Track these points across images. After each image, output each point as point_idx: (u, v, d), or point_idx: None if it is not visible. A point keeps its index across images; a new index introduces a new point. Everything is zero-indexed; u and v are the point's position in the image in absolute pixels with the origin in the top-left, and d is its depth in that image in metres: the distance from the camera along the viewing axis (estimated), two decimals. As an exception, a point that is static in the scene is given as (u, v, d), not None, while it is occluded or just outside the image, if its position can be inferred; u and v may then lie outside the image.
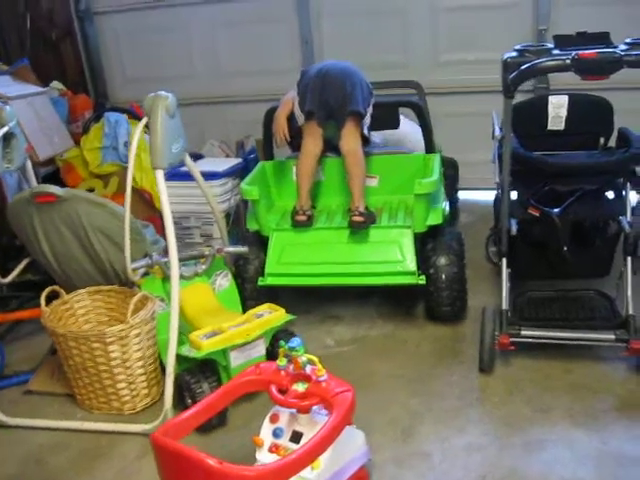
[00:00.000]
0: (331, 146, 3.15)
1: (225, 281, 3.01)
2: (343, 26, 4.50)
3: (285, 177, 3.34)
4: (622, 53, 1.96)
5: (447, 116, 4.45)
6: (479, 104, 4.29)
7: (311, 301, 3.31)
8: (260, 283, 2.98)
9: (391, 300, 3.31)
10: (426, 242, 2.98)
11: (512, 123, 2.96)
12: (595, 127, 2.99)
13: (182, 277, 2.78)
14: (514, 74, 2.06)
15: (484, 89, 4.37)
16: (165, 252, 2.85)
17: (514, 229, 2.69)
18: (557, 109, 2.94)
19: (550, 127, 2.99)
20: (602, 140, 3.00)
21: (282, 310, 2.64)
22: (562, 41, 2.23)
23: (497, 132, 2.73)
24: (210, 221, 3.77)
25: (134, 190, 3.83)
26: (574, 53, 1.97)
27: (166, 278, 2.78)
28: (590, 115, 2.96)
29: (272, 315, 2.63)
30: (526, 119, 2.98)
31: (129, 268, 2.74)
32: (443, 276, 2.90)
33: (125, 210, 2.71)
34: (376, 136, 3.32)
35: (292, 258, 2.98)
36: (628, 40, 2.11)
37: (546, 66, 2.00)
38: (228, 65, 4.79)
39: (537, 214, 2.70)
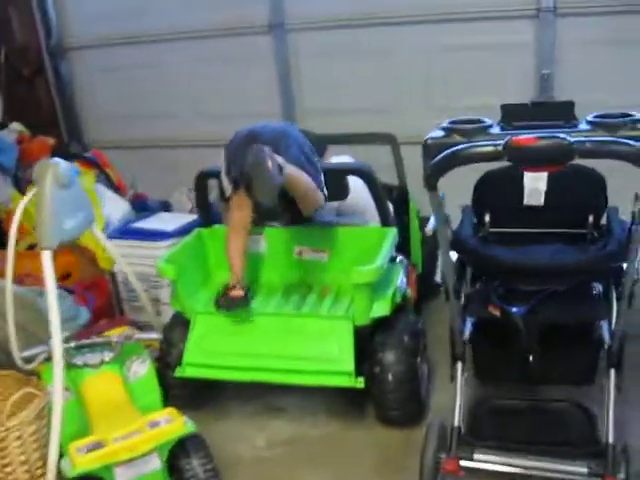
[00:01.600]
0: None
1: (142, 368, 2.60)
2: (325, 67, 4.09)
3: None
4: (572, 140, 1.48)
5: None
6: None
7: (252, 386, 2.88)
8: (177, 374, 2.57)
9: (342, 392, 2.84)
10: (374, 333, 2.52)
11: (483, 194, 2.54)
12: (582, 204, 2.50)
13: (87, 365, 2.41)
14: (431, 164, 1.61)
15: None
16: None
17: (467, 333, 2.22)
18: (535, 181, 2.45)
19: (527, 202, 2.51)
20: (591, 218, 2.50)
21: (181, 419, 2.22)
22: (510, 114, 1.77)
23: (431, 225, 2.27)
24: (158, 284, 3.39)
25: (78, 247, 3.53)
26: (507, 138, 1.50)
27: (70, 365, 2.41)
28: (576, 190, 2.46)
29: (168, 425, 2.20)
30: (499, 190, 2.52)
31: (17, 358, 2.37)
32: (390, 376, 2.44)
33: (7, 286, 2.33)
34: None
35: (216, 346, 2.56)
36: (590, 117, 1.63)
37: (471, 154, 1.54)
38: (207, 106, 4.43)
39: (498, 313, 2.21)
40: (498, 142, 1.50)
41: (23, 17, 4.55)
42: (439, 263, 3.27)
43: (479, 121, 1.81)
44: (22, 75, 4.66)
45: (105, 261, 3.51)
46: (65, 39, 4.58)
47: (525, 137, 1.47)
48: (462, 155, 1.54)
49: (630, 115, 1.87)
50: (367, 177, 2.65)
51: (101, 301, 3.41)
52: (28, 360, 2.39)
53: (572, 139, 1.48)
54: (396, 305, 2.56)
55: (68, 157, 3.84)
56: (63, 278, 3.55)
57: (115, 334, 2.56)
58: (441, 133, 1.80)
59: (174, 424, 2.21)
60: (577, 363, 2.38)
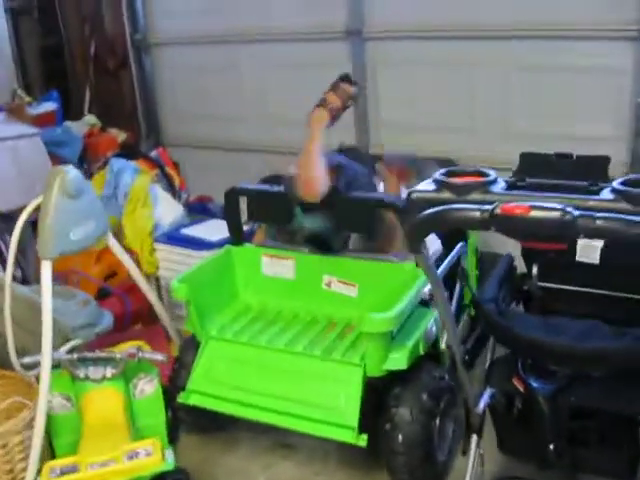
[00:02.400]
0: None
1: (149, 387, 2.50)
2: (402, 79, 3.83)
3: (254, 267, 2.76)
4: (575, 214, 1.17)
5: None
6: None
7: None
8: (180, 400, 2.44)
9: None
10: (391, 385, 2.28)
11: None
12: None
13: (88, 379, 2.33)
14: (409, 225, 1.35)
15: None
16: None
17: (482, 406, 1.92)
18: None
19: (579, 258, 2.16)
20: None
21: (160, 454, 2.08)
22: (528, 166, 1.48)
23: (425, 289, 1.98)
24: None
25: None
26: (496, 204, 1.22)
27: (73, 376, 2.35)
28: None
29: (146, 459, 2.07)
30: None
31: (15, 364, 2.32)
32: (400, 436, 2.19)
33: (6, 290, 2.28)
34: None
35: (223, 376, 2.41)
36: (617, 183, 1.31)
37: (453, 218, 1.26)
38: (277, 111, 4.28)
39: (522, 389, 1.91)
40: (486, 207, 1.23)
41: (113, 11, 4.60)
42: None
43: (481, 173, 1.52)
44: (108, 69, 4.72)
45: (149, 265, 3.46)
46: (150, 34, 4.57)
47: (516, 205, 1.19)
48: (442, 218, 1.27)
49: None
50: (398, 211, 2.38)
51: (138, 304, 3.35)
52: (28, 367, 2.34)
53: (577, 212, 1.18)
54: (419, 356, 2.29)
55: (131, 155, 3.89)
56: (109, 277, 3.56)
57: (122, 349, 2.48)
58: (432, 186, 1.52)
59: (152, 458, 2.08)
60: (617, 454, 2.02)
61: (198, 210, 3.97)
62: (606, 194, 1.28)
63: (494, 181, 1.47)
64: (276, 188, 2.62)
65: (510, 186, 1.50)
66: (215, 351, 2.45)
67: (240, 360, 2.42)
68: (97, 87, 4.84)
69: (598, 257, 2.13)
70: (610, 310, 2.14)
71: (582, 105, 3.40)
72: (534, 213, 1.18)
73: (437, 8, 3.62)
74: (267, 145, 4.31)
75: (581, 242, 2.14)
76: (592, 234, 1.20)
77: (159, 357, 2.47)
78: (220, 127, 4.51)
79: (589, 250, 2.14)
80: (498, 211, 1.20)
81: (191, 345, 2.58)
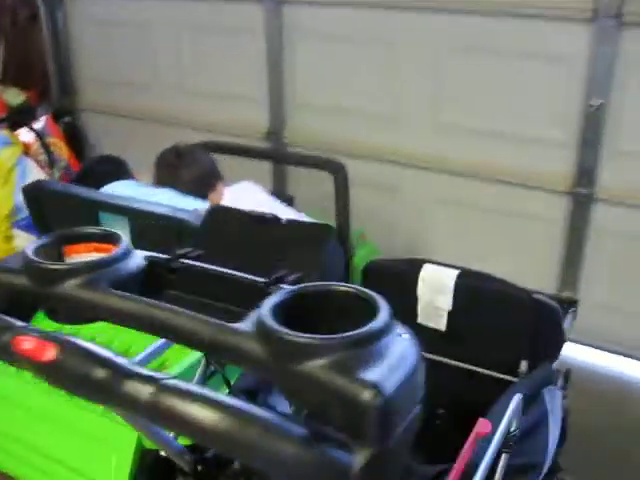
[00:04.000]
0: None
1: None
2: (323, 53, 3.24)
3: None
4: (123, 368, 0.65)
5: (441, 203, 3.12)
6: (492, 195, 2.94)
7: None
8: None
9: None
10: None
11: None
12: (511, 341, 1.58)
13: None
14: None
15: (492, 175, 2.96)
16: None
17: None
18: (432, 294, 1.56)
19: (422, 321, 1.62)
20: (524, 365, 1.57)
21: None
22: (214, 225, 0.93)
23: None
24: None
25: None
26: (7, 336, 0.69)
27: None
28: (498, 318, 1.56)
29: None
30: (393, 292, 1.65)
31: None
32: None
33: None
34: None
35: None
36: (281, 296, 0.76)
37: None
38: (189, 80, 3.72)
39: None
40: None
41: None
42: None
43: (107, 239, 0.91)
44: (17, 21, 4.18)
45: (3, 254, 2.98)
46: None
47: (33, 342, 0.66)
48: None
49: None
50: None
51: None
52: None
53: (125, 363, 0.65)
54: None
55: (16, 122, 3.38)
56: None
57: None
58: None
59: None
60: None
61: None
62: (251, 321, 0.73)
63: (123, 256, 0.88)
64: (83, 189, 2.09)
65: (155, 267, 0.91)
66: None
67: (22, 404, 1.92)
68: (7, 42, 4.30)
69: (444, 323, 1.59)
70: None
71: (526, 98, 2.80)
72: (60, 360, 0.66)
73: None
74: (178, 117, 3.76)
75: (422, 300, 1.59)
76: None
77: None
78: (136, 94, 3.97)
79: (432, 313, 1.59)
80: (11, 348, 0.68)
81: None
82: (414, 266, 1.58)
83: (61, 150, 3.47)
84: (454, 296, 1.53)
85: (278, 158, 2.56)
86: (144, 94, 3.93)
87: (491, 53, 2.82)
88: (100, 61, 4.08)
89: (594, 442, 2.42)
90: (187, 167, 2.41)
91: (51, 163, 3.31)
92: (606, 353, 2.96)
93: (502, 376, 1.59)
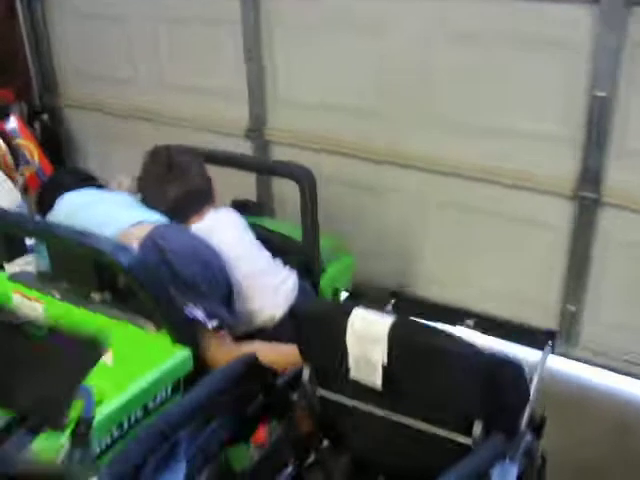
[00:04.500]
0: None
1: None
2: (304, 44, 2.97)
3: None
4: None
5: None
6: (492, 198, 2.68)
7: None
8: None
9: None
10: None
11: (305, 340, 1.40)
12: (460, 400, 1.32)
13: None
14: None
15: (490, 176, 2.69)
16: None
17: None
18: (364, 345, 1.31)
19: (354, 376, 1.36)
20: (478, 426, 1.31)
21: None
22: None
23: None
24: None
25: None
26: None
27: None
28: (442, 376, 1.30)
29: None
30: (323, 341, 1.41)
31: None
32: None
33: None
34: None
35: None
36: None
37: None
38: (170, 76, 3.49)
39: None
40: None
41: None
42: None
43: None
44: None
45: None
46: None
47: None
48: None
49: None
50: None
51: None
52: None
53: None
54: None
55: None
56: None
57: None
58: None
59: None
60: None
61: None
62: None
63: None
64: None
65: None
66: None
67: None
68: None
69: (379, 381, 1.32)
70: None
71: (525, 89, 2.50)
72: None
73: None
74: (159, 113, 3.53)
75: (353, 353, 1.34)
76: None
77: None
78: (117, 89, 3.75)
79: (365, 367, 1.34)
80: None
81: None
82: (344, 311, 1.32)
83: (31, 153, 3.28)
84: (391, 348, 1.27)
85: (239, 164, 2.31)
86: (124, 89, 3.70)
87: (488, 41, 2.52)
88: (80, 55, 3.86)
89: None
90: (176, 182, 2.02)
91: (16, 166, 3.11)
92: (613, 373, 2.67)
93: (453, 437, 1.33)
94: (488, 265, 2.86)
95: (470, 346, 1.25)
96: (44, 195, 2.63)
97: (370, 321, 1.28)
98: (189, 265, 1.79)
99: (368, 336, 1.28)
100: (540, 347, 1.59)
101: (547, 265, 2.69)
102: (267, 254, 2.05)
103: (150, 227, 1.89)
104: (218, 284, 1.83)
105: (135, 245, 1.81)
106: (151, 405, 1.61)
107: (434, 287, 3.01)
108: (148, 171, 2.09)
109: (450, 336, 1.26)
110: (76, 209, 2.05)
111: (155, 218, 1.98)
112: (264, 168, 2.30)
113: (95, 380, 1.37)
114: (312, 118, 3.04)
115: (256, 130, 3.19)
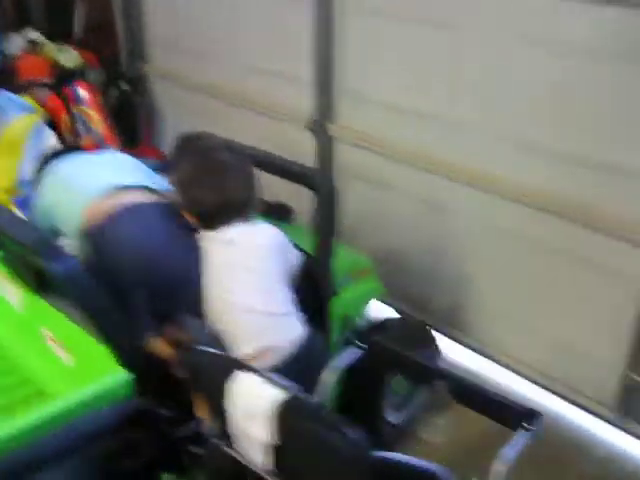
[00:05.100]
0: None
1: None
2: (376, 37, 2.66)
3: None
4: None
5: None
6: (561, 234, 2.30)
7: None
8: None
9: None
10: None
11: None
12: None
13: None
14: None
15: (566, 211, 2.29)
16: None
17: None
18: (245, 418, 1.04)
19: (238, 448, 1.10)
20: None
21: None
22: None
23: None
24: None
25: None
26: None
27: None
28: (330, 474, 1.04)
29: None
30: (211, 399, 1.17)
31: None
32: None
33: None
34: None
35: None
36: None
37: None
38: (242, 54, 3.30)
39: None
40: None
41: None
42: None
43: None
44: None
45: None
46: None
47: None
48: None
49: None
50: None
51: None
52: None
53: None
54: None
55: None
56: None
57: None
58: None
59: None
60: None
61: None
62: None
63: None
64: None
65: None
66: None
67: None
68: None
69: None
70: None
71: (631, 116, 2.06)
72: None
73: None
74: (232, 93, 3.37)
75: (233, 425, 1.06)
76: None
77: None
78: (197, 64, 3.63)
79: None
80: None
81: None
82: (224, 371, 1.06)
83: (95, 122, 3.20)
84: (280, 426, 0.99)
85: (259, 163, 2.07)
86: (204, 65, 3.57)
87: (585, 53, 2.09)
88: (169, 27, 3.77)
89: None
90: (213, 187, 1.76)
91: (76, 133, 3.03)
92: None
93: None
94: (546, 309, 2.46)
95: (358, 445, 0.95)
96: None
97: (253, 394, 1.02)
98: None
99: (248, 411, 1.01)
100: (514, 427, 1.26)
101: (615, 322, 2.26)
102: (281, 295, 1.77)
103: (127, 198, 1.75)
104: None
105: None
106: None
107: (479, 321, 2.67)
108: (184, 169, 1.82)
109: (338, 428, 0.97)
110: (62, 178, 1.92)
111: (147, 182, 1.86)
112: (274, 167, 2.01)
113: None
114: (379, 118, 2.75)
115: (320, 124, 2.94)
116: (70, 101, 3.11)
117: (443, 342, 2.61)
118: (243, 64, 3.31)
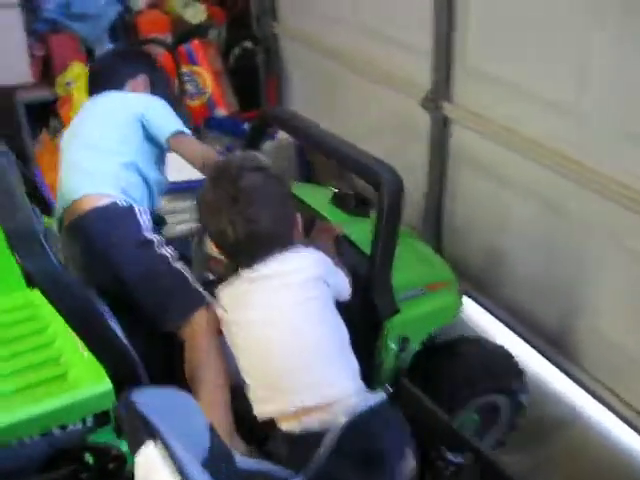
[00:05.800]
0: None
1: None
2: (508, 12, 2.24)
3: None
4: None
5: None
6: None
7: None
8: None
9: None
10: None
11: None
12: None
13: None
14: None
15: None
16: None
17: None
18: None
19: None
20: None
21: None
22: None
23: None
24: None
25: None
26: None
27: None
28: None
29: None
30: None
31: None
32: None
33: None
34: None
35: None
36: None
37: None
38: (365, 20, 2.99)
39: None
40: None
41: None
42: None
43: None
44: None
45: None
46: None
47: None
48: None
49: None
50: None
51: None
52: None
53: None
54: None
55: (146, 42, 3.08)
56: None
57: None
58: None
59: None
60: None
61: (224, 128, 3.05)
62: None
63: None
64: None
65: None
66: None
67: None
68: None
69: None
70: None
71: None
72: None
73: None
74: (350, 59, 3.08)
75: None
76: None
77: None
78: (324, 27, 3.37)
79: None
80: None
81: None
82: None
83: (205, 82, 3.07)
84: None
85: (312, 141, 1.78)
86: (331, 28, 3.30)
87: None
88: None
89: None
90: (238, 218, 1.45)
91: (182, 92, 2.90)
92: None
93: None
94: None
95: None
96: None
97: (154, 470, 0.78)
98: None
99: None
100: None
101: None
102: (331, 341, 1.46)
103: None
104: None
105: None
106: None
107: (590, 353, 2.23)
108: (207, 199, 1.51)
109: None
110: None
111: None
112: (337, 156, 1.70)
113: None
114: (504, 101, 2.34)
115: (435, 100, 2.58)
116: (182, 60, 3.00)
117: (543, 371, 2.22)
118: (367, 29, 3.00)
